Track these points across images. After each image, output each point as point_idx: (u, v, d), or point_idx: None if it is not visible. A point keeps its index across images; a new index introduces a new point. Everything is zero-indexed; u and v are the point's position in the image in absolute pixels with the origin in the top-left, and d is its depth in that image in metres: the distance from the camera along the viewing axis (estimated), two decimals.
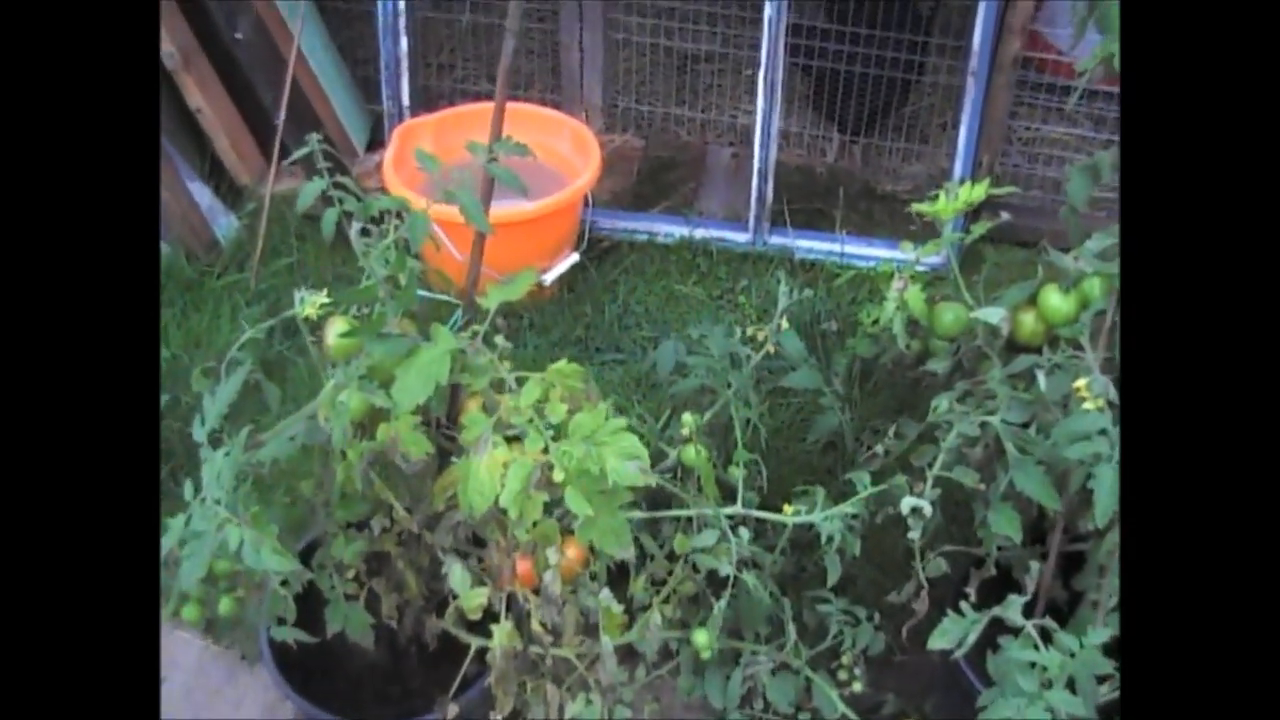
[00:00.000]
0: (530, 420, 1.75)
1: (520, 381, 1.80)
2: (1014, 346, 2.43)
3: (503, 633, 1.91)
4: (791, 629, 2.40)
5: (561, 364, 1.85)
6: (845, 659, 2.54)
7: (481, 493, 1.73)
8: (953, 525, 2.49)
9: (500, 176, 1.80)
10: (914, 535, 2.18)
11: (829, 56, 4.26)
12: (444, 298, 3.41)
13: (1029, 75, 4.11)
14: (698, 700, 2.63)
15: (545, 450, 1.72)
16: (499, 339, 1.84)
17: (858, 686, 2.50)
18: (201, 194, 4.00)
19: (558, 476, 1.71)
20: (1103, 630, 1.86)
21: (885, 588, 2.55)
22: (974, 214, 3.37)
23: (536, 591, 1.95)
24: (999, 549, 2.38)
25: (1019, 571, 2.38)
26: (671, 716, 2.74)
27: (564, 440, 1.72)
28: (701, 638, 2.32)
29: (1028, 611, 2.07)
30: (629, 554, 1.78)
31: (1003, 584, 2.37)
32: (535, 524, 1.80)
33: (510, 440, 1.80)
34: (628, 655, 2.29)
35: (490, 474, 1.73)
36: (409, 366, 1.76)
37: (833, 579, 2.30)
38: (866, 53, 4.19)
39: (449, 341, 1.78)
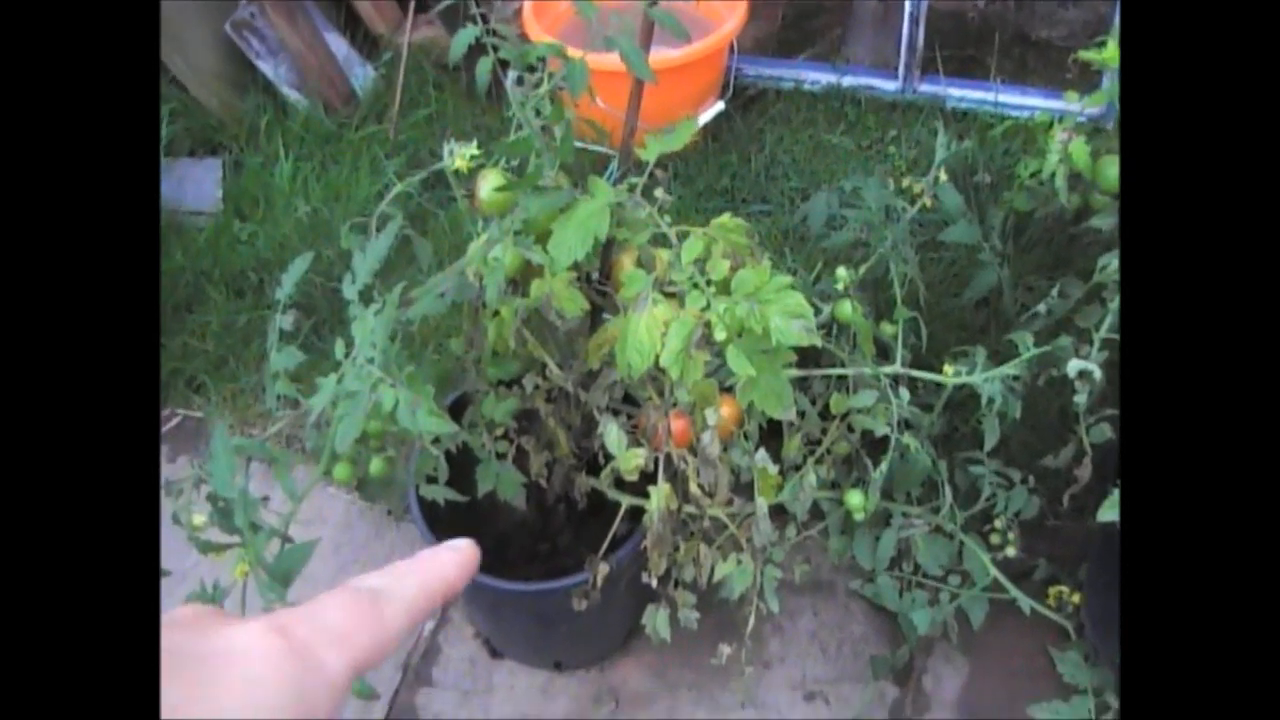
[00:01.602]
0: (691, 277, 1.68)
1: (681, 236, 1.73)
2: None
3: (660, 494, 1.87)
4: (947, 491, 2.34)
5: (725, 218, 1.78)
6: (998, 523, 2.49)
7: (641, 352, 1.68)
8: (1113, 389, 2.41)
9: (661, 20, 1.72)
10: (1079, 399, 2.10)
11: None
12: (598, 148, 3.35)
13: None
14: (847, 561, 2.60)
15: (706, 308, 1.66)
16: (658, 192, 1.78)
17: (1010, 550, 2.46)
18: (338, 45, 3.96)
19: (719, 335, 1.65)
20: None
21: (1040, 451, 2.48)
22: None
23: (692, 451, 1.90)
24: None
25: None
26: (820, 577, 2.71)
27: (726, 298, 1.66)
28: (855, 499, 2.28)
29: None
30: (791, 415, 1.72)
31: None
32: (695, 384, 1.75)
33: (669, 297, 1.74)
34: (777, 515, 2.25)
35: (650, 332, 1.68)
36: (566, 221, 1.70)
37: (990, 442, 2.23)
38: None
39: (607, 195, 1.71)
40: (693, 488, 1.87)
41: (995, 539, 2.48)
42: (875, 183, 2.55)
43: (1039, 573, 2.61)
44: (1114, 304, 2.14)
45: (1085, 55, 2.38)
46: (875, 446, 2.25)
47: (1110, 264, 2.21)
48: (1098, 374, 2.07)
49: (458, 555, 0.72)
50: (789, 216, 3.33)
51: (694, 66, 3.42)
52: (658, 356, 1.68)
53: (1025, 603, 2.42)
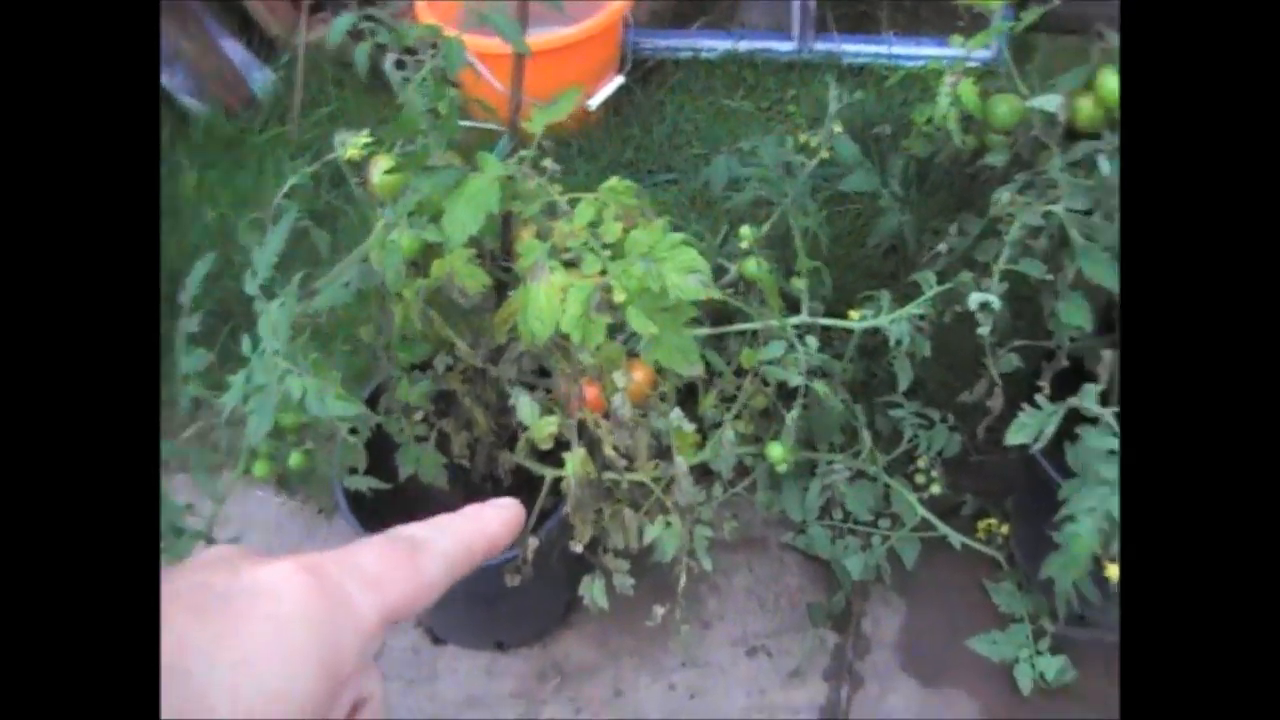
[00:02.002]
0: (585, 242, 1.71)
1: (573, 203, 1.75)
2: (1072, 133, 2.37)
3: (576, 460, 1.88)
4: (866, 436, 2.38)
5: (613, 181, 1.80)
6: (921, 462, 2.53)
7: (541, 319, 1.69)
8: (1020, 320, 2.44)
9: None
10: (984, 331, 2.13)
11: None
12: (489, 126, 3.36)
13: None
14: (776, 514, 2.63)
15: (603, 271, 1.68)
16: (547, 162, 1.80)
17: (936, 489, 2.49)
18: (234, 49, 3.95)
19: (618, 297, 1.67)
20: None
21: (956, 389, 2.51)
22: (1023, 3, 3.27)
23: (607, 417, 1.92)
24: (1070, 340, 2.34)
25: (1091, 361, 2.33)
26: (752, 533, 2.74)
27: (622, 259, 1.68)
28: (776, 451, 2.30)
29: (1103, 400, 2.03)
30: (697, 371, 1.74)
31: (1076, 375, 2.33)
32: (599, 348, 1.77)
33: (568, 265, 1.76)
34: (703, 474, 2.28)
35: (549, 300, 1.69)
36: (457, 197, 1.72)
37: (904, 383, 2.26)
38: None
39: (496, 168, 1.73)
40: (608, 452, 1.89)
41: (920, 479, 2.52)
42: (772, 141, 2.57)
43: (967, 508, 2.65)
44: (1010, 235, 2.18)
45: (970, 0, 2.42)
46: (791, 398, 2.28)
47: (1001, 197, 2.25)
48: (997, 304, 2.10)
49: (502, 513, 0.71)
50: (694, 182, 3.36)
51: (588, 43, 3.44)
52: (559, 323, 1.70)
53: (955, 538, 2.45)
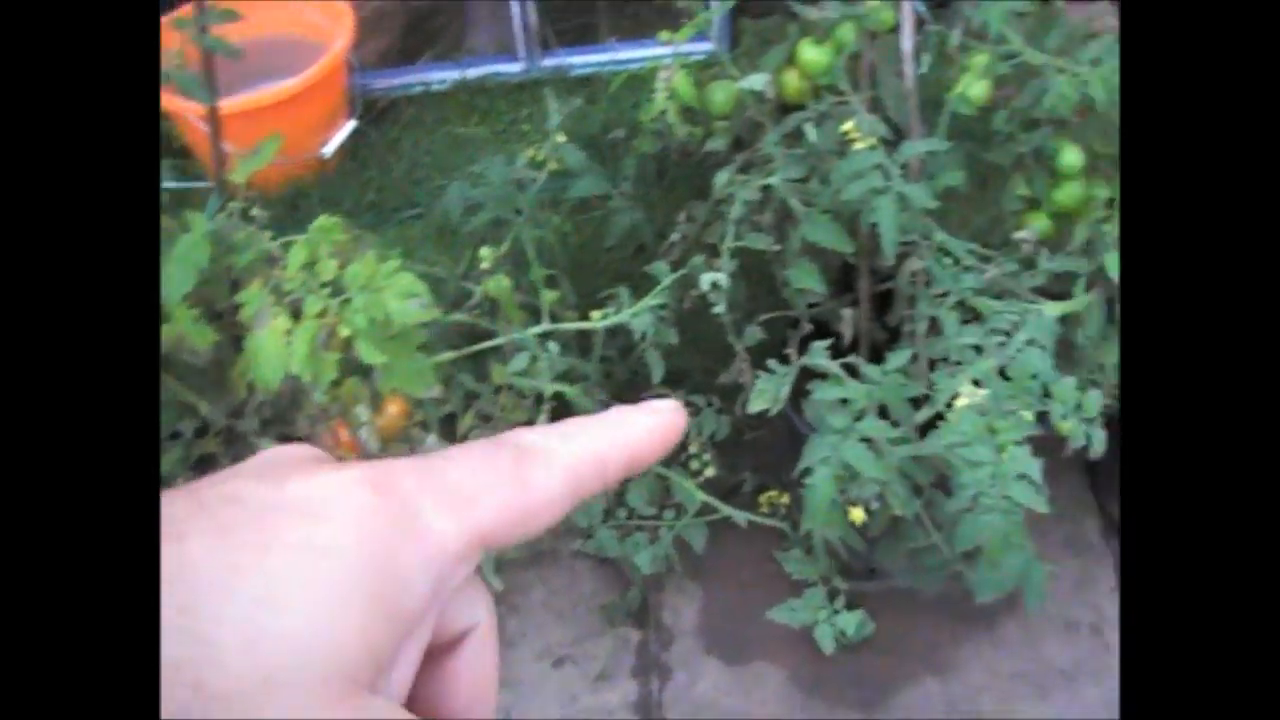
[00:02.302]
0: (304, 283, 1.72)
1: (286, 247, 1.77)
2: (787, 108, 2.44)
3: None
4: None
5: (321, 220, 1.82)
6: (694, 448, 2.58)
7: (270, 365, 1.71)
8: (765, 294, 2.51)
9: (215, 47, 1.75)
10: (719, 310, 2.19)
11: None
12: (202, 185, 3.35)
13: None
14: (563, 525, 2.65)
15: (324, 311, 1.70)
16: (255, 211, 1.81)
17: (710, 471, 2.54)
18: None
19: (344, 331, 1.69)
20: (901, 352, 1.90)
21: (717, 372, 2.57)
22: None
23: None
24: (811, 305, 2.41)
25: (835, 322, 2.41)
26: (541, 547, 2.76)
27: (342, 294, 1.70)
28: None
29: (848, 351, 2.10)
30: (434, 393, 1.78)
31: (824, 338, 2.41)
32: (336, 385, 1.79)
33: (295, 309, 1.78)
34: None
35: (275, 345, 1.71)
36: (169, 258, 1.73)
37: (657, 374, 2.31)
38: None
39: (202, 225, 1.74)
40: None
41: (695, 464, 2.56)
42: (499, 161, 2.61)
43: (747, 485, 2.71)
44: (732, 213, 2.24)
45: None
46: (554, 408, 2.31)
47: (720, 179, 2.31)
48: (724, 281, 2.16)
49: (654, 418, 0.54)
50: (437, 214, 3.38)
51: (310, 93, 3.44)
52: (289, 367, 1.71)
53: (740, 516, 2.50)
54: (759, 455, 2.76)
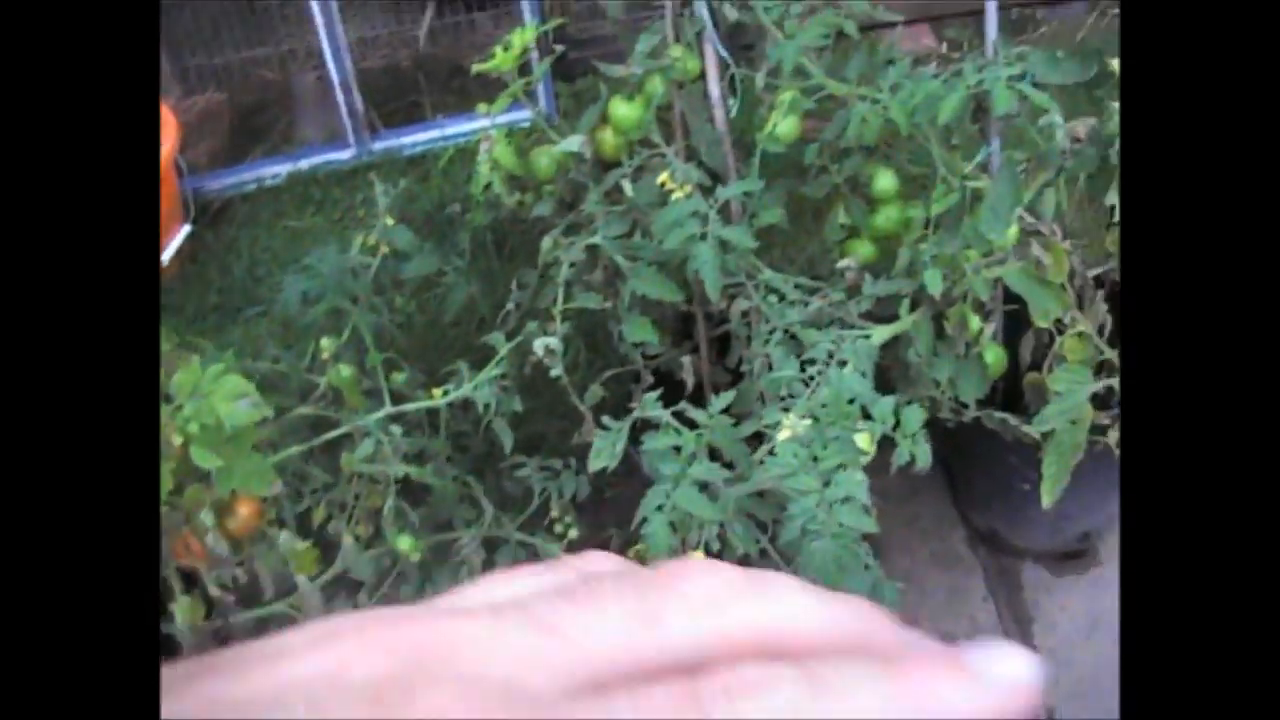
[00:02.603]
0: None
1: None
2: (608, 166, 2.48)
3: (182, 608, 1.89)
4: (485, 503, 2.43)
5: None
6: (555, 511, 2.59)
7: None
8: (606, 352, 2.53)
9: None
10: (556, 373, 2.21)
11: None
12: None
13: None
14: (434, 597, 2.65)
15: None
16: None
17: (574, 532, 2.55)
18: None
19: (177, 440, 1.69)
20: (726, 395, 1.93)
21: (572, 433, 2.59)
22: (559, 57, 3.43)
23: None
24: (652, 356, 2.44)
25: (678, 371, 2.45)
26: None
27: (169, 404, 1.70)
28: (404, 543, 2.33)
29: (697, 403, 2.13)
30: (275, 490, 1.78)
31: (669, 389, 2.43)
32: (179, 494, 1.78)
33: None
34: (354, 585, 2.29)
35: None
36: None
37: (508, 443, 2.33)
38: None
39: None
40: (214, 593, 1.90)
41: (559, 528, 2.58)
42: (330, 250, 2.62)
43: (613, 541, 2.72)
44: (560, 276, 2.27)
45: (478, 68, 2.49)
46: (408, 489, 2.32)
47: (546, 244, 2.34)
48: (555, 344, 2.18)
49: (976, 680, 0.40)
50: (279, 309, 3.38)
51: None
52: None
53: None
54: (622, 511, 2.77)
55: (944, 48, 4.58)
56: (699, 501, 1.76)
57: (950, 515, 2.95)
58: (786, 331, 2.14)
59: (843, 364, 1.96)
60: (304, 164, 3.91)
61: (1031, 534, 2.77)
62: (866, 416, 1.79)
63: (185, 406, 1.69)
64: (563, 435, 2.78)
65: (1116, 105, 2.42)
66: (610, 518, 2.77)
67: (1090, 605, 2.77)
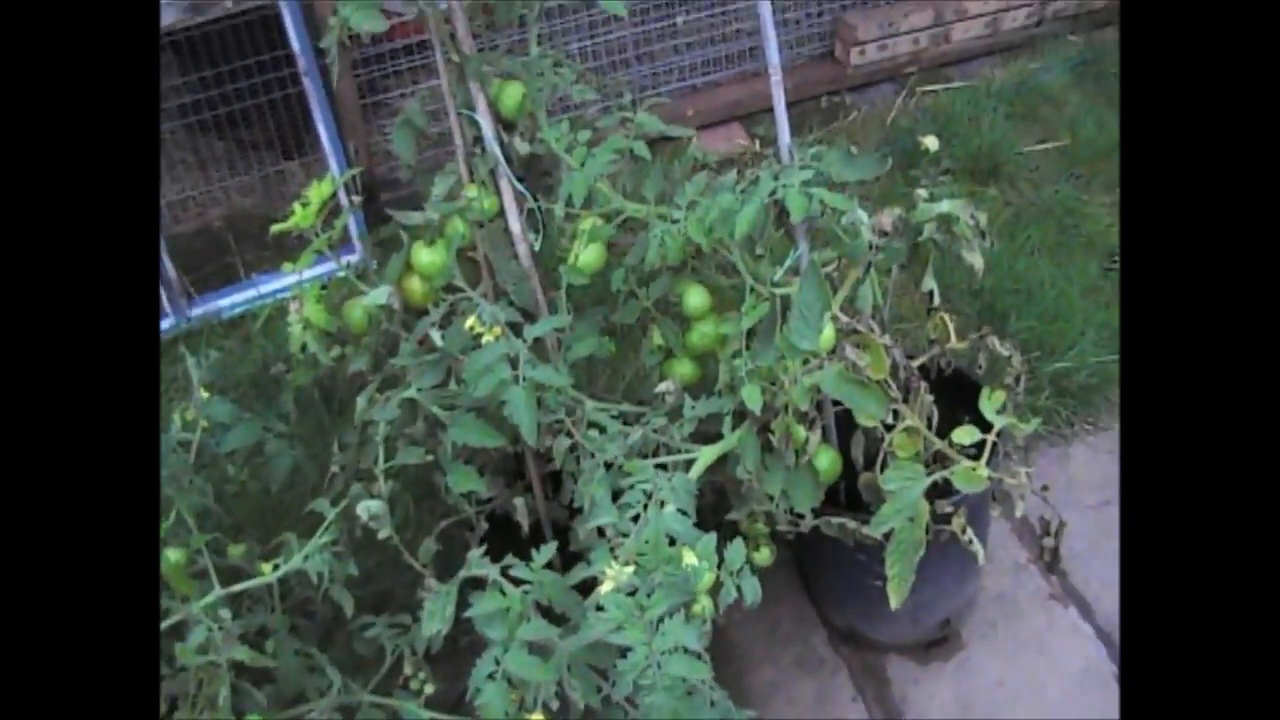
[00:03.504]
0: None
1: None
2: (420, 314, 2.44)
3: None
4: (332, 672, 2.36)
5: None
6: (408, 668, 2.53)
7: None
8: (437, 502, 2.49)
9: None
10: (384, 535, 2.17)
11: (183, 112, 4.21)
12: None
13: (380, 47, 4.14)
14: None
15: None
16: None
17: (429, 688, 2.49)
18: None
19: None
20: (548, 547, 1.90)
21: (415, 582, 2.53)
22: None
23: None
24: (484, 502, 2.40)
25: (514, 513, 2.40)
26: None
27: None
28: None
29: (536, 544, 2.09)
30: None
31: (506, 532, 2.40)
32: None
33: None
34: None
35: None
36: None
37: (349, 608, 2.27)
38: (214, 95, 4.14)
39: None
40: None
41: (415, 684, 2.51)
42: None
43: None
44: (378, 435, 2.22)
45: (276, 229, 2.44)
46: (253, 668, 2.25)
47: (360, 403, 2.30)
48: (378, 509, 2.14)
49: None
50: None
51: None
52: None
53: None
54: (477, 657, 2.72)
55: (756, 144, 4.62)
56: (530, 664, 1.73)
57: (810, 617, 2.92)
58: (610, 465, 2.12)
59: (662, 503, 1.93)
60: None
61: (891, 628, 2.75)
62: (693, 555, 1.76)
63: None
64: (409, 589, 2.72)
65: (922, 191, 2.45)
66: (467, 666, 2.70)
67: (958, 690, 2.75)
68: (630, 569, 1.72)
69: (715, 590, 1.87)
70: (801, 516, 2.28)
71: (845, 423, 2.43)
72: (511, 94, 2.36)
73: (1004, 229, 3.92)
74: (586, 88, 2.35)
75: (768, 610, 2.91)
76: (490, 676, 1.77)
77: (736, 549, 1.81)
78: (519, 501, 2.36)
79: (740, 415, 2.21)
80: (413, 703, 2.45)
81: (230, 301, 3.86)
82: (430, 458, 2.23)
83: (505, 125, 2.40)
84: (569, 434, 2.21)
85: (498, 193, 2.37)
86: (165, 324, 3.84)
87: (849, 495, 2.52)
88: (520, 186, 2.37)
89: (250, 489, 3.11)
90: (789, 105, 2.29)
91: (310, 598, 2.52)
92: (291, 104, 4.17)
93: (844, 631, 2.86)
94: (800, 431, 2.21)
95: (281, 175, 4.43)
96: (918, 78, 4.89)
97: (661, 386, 2.31)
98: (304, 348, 2.62)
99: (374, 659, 2.55)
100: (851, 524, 2.27)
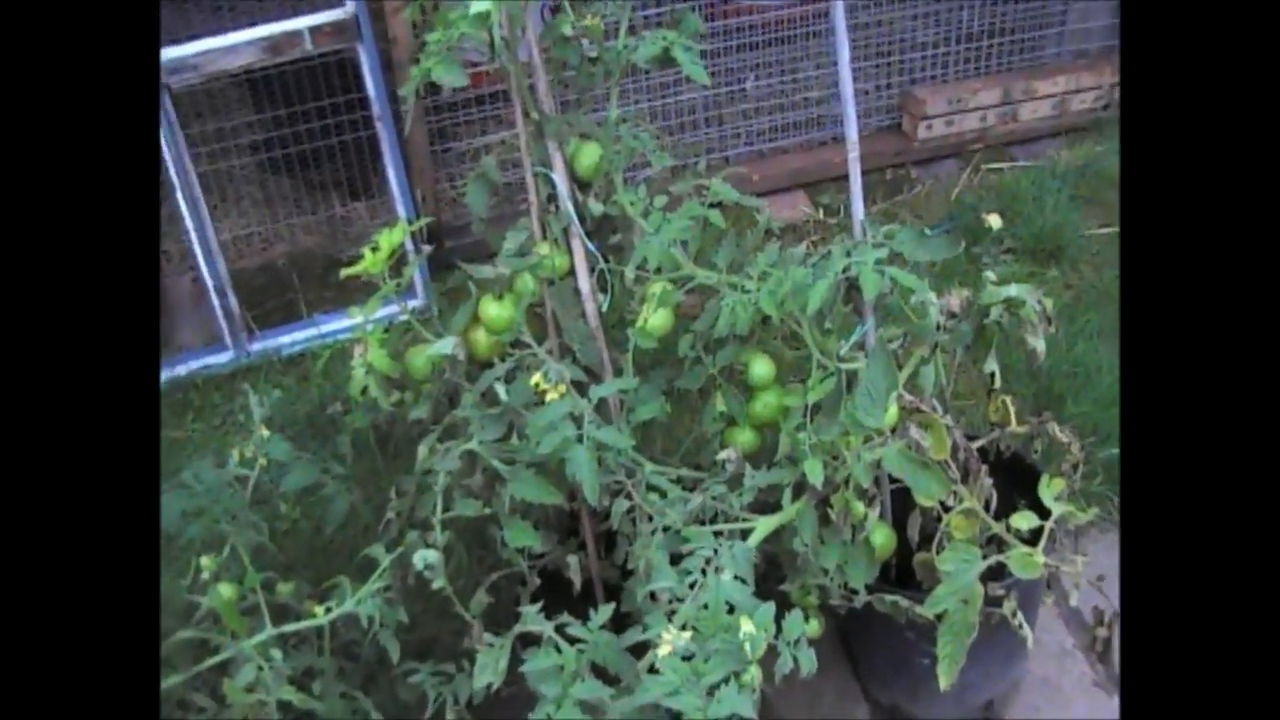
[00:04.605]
0: None
1: None
2: (483, 366, 2.46)
3: None
4: (376, 717, 2.37)
5: None
6: (450, 716, 2.53)
7: None
8: (489, 555, 2.49)
9: None
10: (438, 585, 2.18)
11: (253, 149, 4.26)
12: None
13: (453, 96, 4.18)
14: None
15: None
16: None
17: None
18: None
19: None
20: (605, 610, 1.90)
21: (466, 636, 2.54)
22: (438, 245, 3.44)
23: None
24: (537, 557, 2.41)
25: (566, 569, 2.41)
26: None
27: None
28: None
29: (586, 603, 2.09)
30: None
31: (557, 588, 2.40)
32: None
33: None
34: None
35: None
36: None
37: (394, 654, 2.28)
38: (285, 134, 4.19)
39: None
40: None
41: None
42: (207, 465, 2.57)
43: None
44: (438, 484, 2.23)
45: (346, 273, 2.46)
46: (288, 709, 2.26)
47: (422, 451, 2.31)
48: (437, 559, 2.15)
49: None
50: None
51: None
52: None
53: None
54: (518, 708, 2.72)
55: (820, 214, 4.63)
56: None
57: (853, 691, 2.91)
58: (668, 529, 2.12)
59: (720, 570, 1.93)
60: (181, 369, 3.86)
61: (935, 708, 2.74)
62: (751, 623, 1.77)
63: None
64: (455, 637, 2.73)
65: (990, 274, 2.45)
66: (506, 715, 2.71)
67: None
68: (688, 634, 1.73)
69: (765, 660, 1.87)
70: (855, 591, 2.28)
71: (900, 500, 2.43)
72: (589, 155, 2.39)
73: (1064, 312, 3.91)
74: (664, 154, 2.37)
75: (811, 682, 2.90)
76: None
77: (795, 620, 1.82)
78: (572, 559, 2.37)
79: (800, 487, 2.21)
80: None
81: (290, 339, 3.89)
82: (487, 510, 2.24)
83: (580, 184, 2.42)
84: (628, 496, 2.22)
85: (569, 251, 2.39)
86: (225, 358, 3.88)
87: (899, 572, 2.52)
88: (592, 247, 2.39)
89: (300, 528, 3.13)
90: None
91: (355, 640, 2.53)
92: (361, 147, 4.23)
93: (887, 708, 2.85)
94: (859, 507, 2.22)
95: (347, 216, 4.48)
96: (983, 155, 4.91)
97: (723, 454, 2.31)
98: (364, 391, 2.64)
99: (416, 705, 2.56)
100: (905, 602, 2.27)
